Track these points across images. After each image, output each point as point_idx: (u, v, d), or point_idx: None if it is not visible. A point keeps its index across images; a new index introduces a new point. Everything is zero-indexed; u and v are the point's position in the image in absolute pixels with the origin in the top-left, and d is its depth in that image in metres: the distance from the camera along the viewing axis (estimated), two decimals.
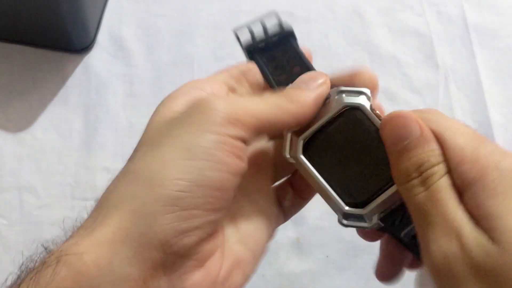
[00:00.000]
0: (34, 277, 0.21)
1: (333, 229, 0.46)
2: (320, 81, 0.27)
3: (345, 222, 0.27)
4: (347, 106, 0.26)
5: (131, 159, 0.25)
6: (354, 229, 0.47)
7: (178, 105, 0.27)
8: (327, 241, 0.46)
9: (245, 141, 0.25)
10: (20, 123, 0.49)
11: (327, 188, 0.27)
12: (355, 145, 0.26)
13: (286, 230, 0.46)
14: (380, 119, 0.26)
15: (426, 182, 0.23)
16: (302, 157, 0.27)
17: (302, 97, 0.26)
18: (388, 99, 0.52)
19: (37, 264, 0.22)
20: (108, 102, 0.50)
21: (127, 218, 0.22)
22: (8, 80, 0.51)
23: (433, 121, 0.25)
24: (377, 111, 0.26)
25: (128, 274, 0.22)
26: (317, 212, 0.47)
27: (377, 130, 0.26)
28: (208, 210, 0.23)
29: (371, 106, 0.26)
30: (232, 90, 0.30)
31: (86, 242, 0.22)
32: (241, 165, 0.24)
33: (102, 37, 0.53)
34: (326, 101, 0.27)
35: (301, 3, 0.57)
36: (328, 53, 0.54)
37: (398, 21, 0.56)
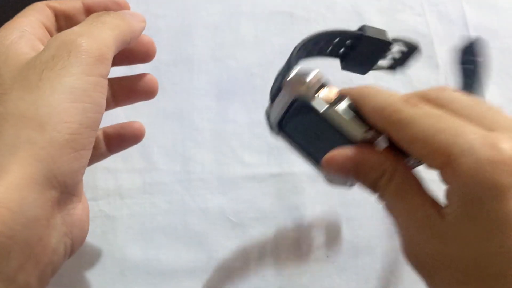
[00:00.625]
0: None
1: (333, 229, 0.46)
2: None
3: (330, 183, 0.31)
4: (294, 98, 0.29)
5: (1, 102, 0.26)
6: (354, 229, 0.47)
7: (24, 48, 0.28)
8: (327, 241, 0.46)
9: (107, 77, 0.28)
10: None
11: (310, 159, 0.31)
12: (311, 125, 0.29)
13: (286, 230, 0.46)
14: (327, 101, 0.29)
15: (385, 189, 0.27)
16: (282, 134, 0.32)
17: (137, 18, 0.33)
18: None
19: None
20: None
21: (28, 163, 0.23)
22: None
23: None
24: (324, 89, 0.29)
25: (36, 215, 0.23)
26: (317, 212, 0.47)
27: (319, 113, 0.28)
28: (91, 149, 0.26)
29: (316, 89, 0.29)
30: (48, 28, 0.32)
31: None
32: (105, 103, 0.27)
33: None
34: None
35: (301, 3, 0.57)
36: None
37: (398, 21, 0.56)
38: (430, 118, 0.24)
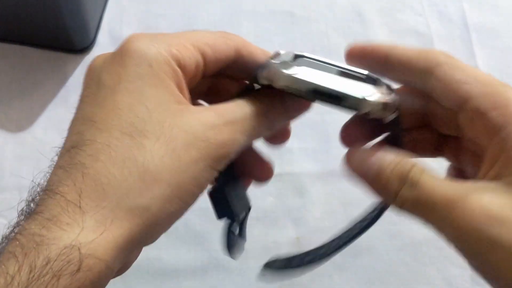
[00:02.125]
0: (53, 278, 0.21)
1: (333, 229, 0.46)
2: None
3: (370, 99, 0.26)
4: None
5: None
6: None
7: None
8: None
9: None
10: (20, 123, 0.49)
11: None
12: None
13: (286, 230, 0.46)
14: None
15: (413, 184, 0.25)
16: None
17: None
18: None
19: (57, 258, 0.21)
20: None
21: (137, 230, 0.23)
22: (8, 80, 0.51)
23: (454, 71, 0.26)
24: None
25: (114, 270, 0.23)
26: (317, 212, 0.47)
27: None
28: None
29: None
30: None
31: (102, 242, 0.22)
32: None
33: (103, 37, 0.53)
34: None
35: (301, 3, 0.57)
36: (328, 53, 0.54)
37: (398, 21, 0.56)
38: None
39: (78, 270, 0.21)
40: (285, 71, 0.26)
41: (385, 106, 0.26)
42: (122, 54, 0.25)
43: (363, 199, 0.47)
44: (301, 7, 0.56)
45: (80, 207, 0.22)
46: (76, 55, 0.52)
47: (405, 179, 0.25)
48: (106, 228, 0.22)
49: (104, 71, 0.26)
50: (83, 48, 0.52)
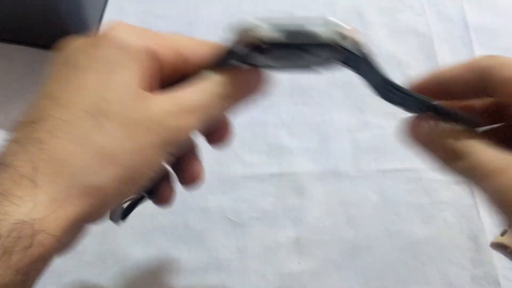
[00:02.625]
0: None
1: (333, 229, 0.46)
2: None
3: None
4: None
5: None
6: (354, 229, 0.47)
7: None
8: (327, 241, 0.46)
9: None
10: None
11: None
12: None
13: (286, 230, 0.46)
14: None
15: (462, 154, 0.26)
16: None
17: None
18: None
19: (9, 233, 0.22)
20: None
21: (88, 208, 0.24)
22: (8, 80, 0.51)
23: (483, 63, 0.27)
24: None
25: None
26: (317, 212, 0.47)
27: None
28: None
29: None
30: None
31: (54, 218, 0.22)
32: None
33: None
34: None
35: (301, 3, 0.57)
36: None
37: (398, 21, 0.56)
38: None
39: (30, 246, 0.21)
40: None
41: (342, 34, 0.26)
42: (100, 38, 0.26)
43: (363, 199, 0.47)
44: (301, 7, 0.56)
45: (34, 181, 0.22)
46: None
47: (461, 149, 0.27)
48: (59, 205, 0.22)
49: (78, 51, 0.26)
50: None
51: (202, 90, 0.27)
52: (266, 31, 0.26)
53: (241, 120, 0.50)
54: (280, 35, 0.26)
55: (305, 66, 0.29)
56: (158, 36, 0.28)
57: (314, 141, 0.49)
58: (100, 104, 0.24)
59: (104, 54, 0.25)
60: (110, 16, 0.55)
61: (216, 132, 0.32)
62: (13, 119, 0.27)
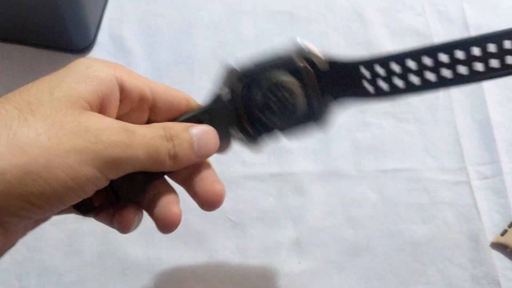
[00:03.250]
0: None
1: (333, 229, 0.46)
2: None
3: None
4: None
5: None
6: (354, 229, 0.47)
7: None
8: (327, 241, 0.46)
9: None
10: None
11: None
12: None
13: (286, 230, 0.46)
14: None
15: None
16: None
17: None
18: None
19: None
20: None
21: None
22: (8, 80, 0.51)
23: None
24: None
25: None
26: (317, 212, 0.47)
27: None
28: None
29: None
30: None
31: None
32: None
33: (102, 37, 0.53)
34: None
35: (301, 3, 0.57)
36: None
37: (398, 21, 0.56)
38: None
39: None
40: None
41: None
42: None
43: (363, 199, 0.47)
44: (301, 7, 0.56)
45: None
46: (76, 55, 0.52)
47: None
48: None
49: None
50: (83, 48, 0.52)
51: (153, 129, 0.27)
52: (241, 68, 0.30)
53: None
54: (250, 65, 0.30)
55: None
56: (138, 77, 0.28)
57: (314, 141, 0.49)
58: (31, 103, 0.24)
59: (68, 67, 0.26)
60: (110, 16, 0.55)
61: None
62: None
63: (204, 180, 0.30)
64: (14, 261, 0.44)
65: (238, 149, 0.50)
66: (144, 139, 0.26)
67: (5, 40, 0.52)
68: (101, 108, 0.27)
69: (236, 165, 0.48)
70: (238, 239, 0.45)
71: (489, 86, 0.53)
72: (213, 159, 0.49)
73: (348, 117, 0.51)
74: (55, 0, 0.46)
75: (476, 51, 0.29)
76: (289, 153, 0.49)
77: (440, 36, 0.56)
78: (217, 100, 0.31)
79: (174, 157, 0.27)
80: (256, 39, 0.54)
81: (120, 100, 0.28)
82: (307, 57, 0.29)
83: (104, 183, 0.25)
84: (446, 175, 0.48)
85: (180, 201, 0.47)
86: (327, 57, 0.30)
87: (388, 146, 0.49)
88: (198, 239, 0.45)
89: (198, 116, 0.30)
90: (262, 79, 0.30)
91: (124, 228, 0.30)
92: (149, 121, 0.30)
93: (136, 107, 0.29)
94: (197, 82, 0.52)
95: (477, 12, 0.57)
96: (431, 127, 0.50)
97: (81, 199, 0.25)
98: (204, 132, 0.29)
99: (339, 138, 0.50)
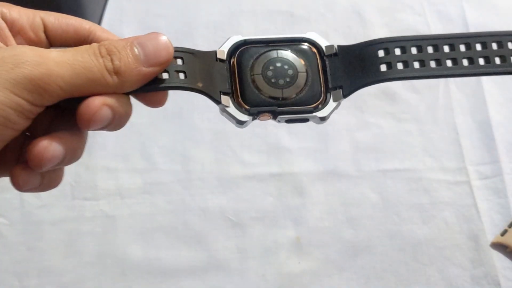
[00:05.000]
0: None
1: (333, 229, 0.46)
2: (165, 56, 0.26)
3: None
4: None
5: None
6: (354, 229, 0.47)
7: None
8: (327, 241, 0.46)
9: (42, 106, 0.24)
10: None
11: None
12: None
13: (286, 230, 0.46)
14: None
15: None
16: None
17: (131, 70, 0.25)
18: (388, 99, 0.52)
19: None
20: None
21: None
22: None
23: None
24: None
25: None
26: (317, 212, 0.47)
27: None
28: None
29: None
30: None
31: None
32: (26, 124, 0.24)
33: None
34: None
35: (301, 3, 0.57)
36: None
37: (398, 21, 0.56)
38: None
39: None
40: None
41: None
42: None
43: (363, 199, 0.47)
44: (301, 7, 0.56)
45: None
46: None
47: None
48: None
49: None
50: None
51: (78, 49, 0.25)
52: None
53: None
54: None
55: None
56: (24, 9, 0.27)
57: (314, 141, 0.49)
58: None
59: None
60: (110, 16, 0.55)
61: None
62: None
63: None
64: (14, 261, 0.44)
65: (237, 149, 0.50)
66: (63, 58, 0.24)
67: None
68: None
69: (236, 165, 0.48)
70: (238, 239, 0.45)
71: (489, 86, 0.53)
72: (212, 159, 0.49)
73: (348, 117, 0.51)
74: (55, 0, 0.46)
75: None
76: (289, 153, 0.49)
77: None
78: (211, 54, 0.28)
79: (117, 72, 0.25)
80: None
81: (11, 33, 0.27)
82: (312, 41, 0.30)
83: (33, 110, 0.23)
84: (446, 175, 0.48)
85: (179, 200, 0.47)
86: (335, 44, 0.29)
87: (388, 146, 0.49)
88: (198, 239, 0.45)
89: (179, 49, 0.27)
90: (266, 51, 0.29)
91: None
92: None
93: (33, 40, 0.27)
94: None
95: (477, 12, 0.57)
96: (431, 127, 0.50)
97: (16, 132, 0.23)
98: (148, 38, 0.26)
99: (339, 138, 0.50)
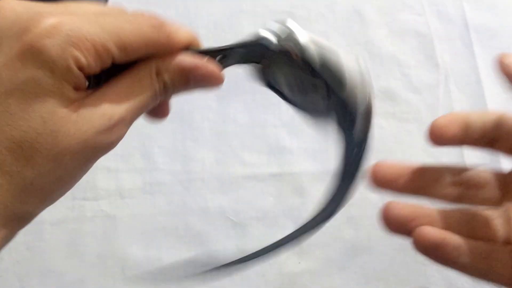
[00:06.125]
0: None
1: (333, 229, 0.46)
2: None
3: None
4: None
5: None
6: (354, 229, 0.47)
7: None
8: (327, 241, 0.46)
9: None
10: None
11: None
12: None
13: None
14: None
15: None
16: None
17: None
18: (388, 99, 0.52)
19: None
20: None
21: (15, 233, 0.25)
22: None
23: None
24: None
25: None
26: None
27: None
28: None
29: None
30: None
31: None
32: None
33: None
34: None
35: (301, 3, 0.57)
36: None
37: (398, 21, 0.56)
38: None
39: None
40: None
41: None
42: (24, 47, 0.23)
43: (363, 199, 0.47)
44: (301, 7, 0.56)
45: None
46: None
47: None
48: None
49: (3, 64, 0.23)
50: None
51: (140, 87, 0.27)
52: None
53: (242, 120, 0.51)
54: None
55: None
56: (81, 32, 0.24)
57: (314, 141, 0.50)
58: (24, 137, 0.23)
59: (29, 74, 0.23)
60: None
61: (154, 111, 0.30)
62: None
63: None
64: (15, 261, 0.44)
65: (238, 149, 0.50)
66: (131, 116, 0.28)
67: None
68: (77, 94, 0.25)
69: (236, 165, 0.48)
70: (238, 239, 0.45)
71: (489, 86, 0.53)
72: (213, 159, 0.49)
73: None
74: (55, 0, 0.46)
75: None
76: (289, 153, 0.49)
77: (440, 35, 0.56)
78: (263, 39, 0.27)
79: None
80: None
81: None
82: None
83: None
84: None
85: (180, 201, 0.47)
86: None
87: (388, 146, 0.49)
88: (198, 239, 0.45)
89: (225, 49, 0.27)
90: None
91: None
92: None
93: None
94: None
95: (477, 12, 0.57)
96: None
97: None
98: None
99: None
